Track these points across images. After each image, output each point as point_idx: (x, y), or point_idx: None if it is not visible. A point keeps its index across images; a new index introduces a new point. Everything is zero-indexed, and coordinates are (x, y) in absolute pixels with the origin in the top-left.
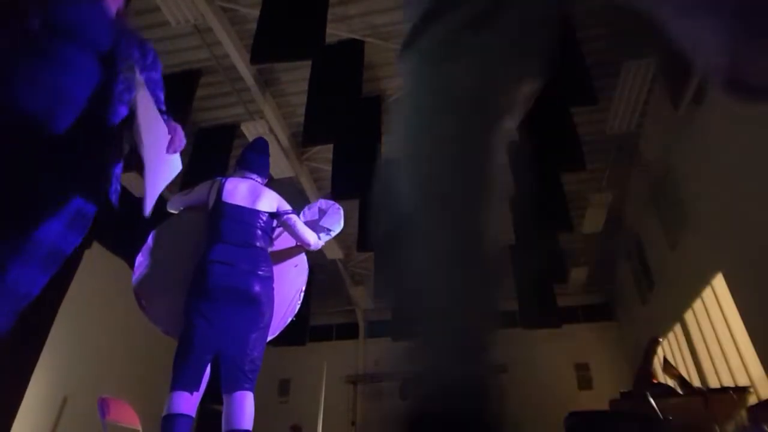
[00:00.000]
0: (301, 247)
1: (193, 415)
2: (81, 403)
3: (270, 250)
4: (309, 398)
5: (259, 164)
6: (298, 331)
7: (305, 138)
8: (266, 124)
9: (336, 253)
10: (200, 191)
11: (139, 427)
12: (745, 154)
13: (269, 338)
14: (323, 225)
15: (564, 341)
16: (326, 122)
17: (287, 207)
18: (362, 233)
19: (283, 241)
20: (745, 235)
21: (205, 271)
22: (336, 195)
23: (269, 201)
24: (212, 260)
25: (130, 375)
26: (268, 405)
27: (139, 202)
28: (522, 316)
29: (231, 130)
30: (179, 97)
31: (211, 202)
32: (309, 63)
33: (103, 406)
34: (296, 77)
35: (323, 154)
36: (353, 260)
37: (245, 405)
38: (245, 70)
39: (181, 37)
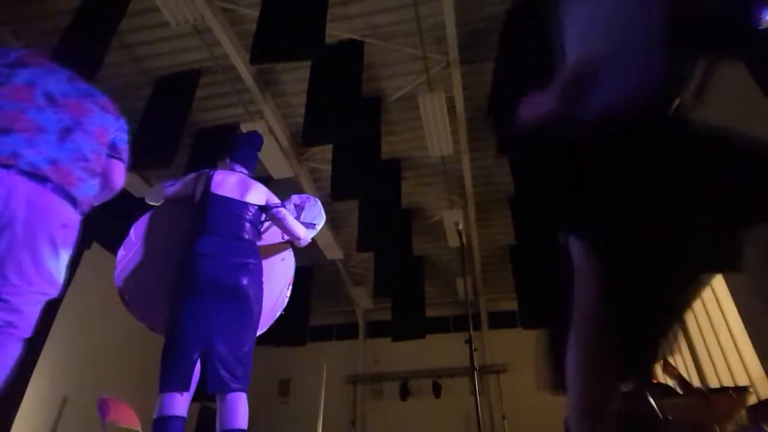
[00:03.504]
0: (288, 241)
1: (185, 415)
2: (81, 403)
3: (258, 243)
4: (309, 398)
5: (251, 158)
6: (297, 331)
7: (305, 138)
8: (266, 125)
9: (336, 253)
10: (186, 183)
11: (139, 428)
12: None
13: (258, 333)
14: (305, 221)
15: None
16: (326, 122)
17: (276, 200)
18: (362, 233)
19: (271, 236)
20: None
21: (191, 265)
22: (336, 195)
23: (258, 194)
24: (198, 253)
25: (131, 375)
26: (268, 405)
27: (139, 202)
28: (522, 316)
29: (231, 131)
30: (179, 97)
31: (198, 194)
32: (309, 63)
33: (103, 406)
34: (296, 77)
35: (323, 154)
36: (353, 260)
37: (239, 405)
38: (245, 71)
39: (180, 38)
